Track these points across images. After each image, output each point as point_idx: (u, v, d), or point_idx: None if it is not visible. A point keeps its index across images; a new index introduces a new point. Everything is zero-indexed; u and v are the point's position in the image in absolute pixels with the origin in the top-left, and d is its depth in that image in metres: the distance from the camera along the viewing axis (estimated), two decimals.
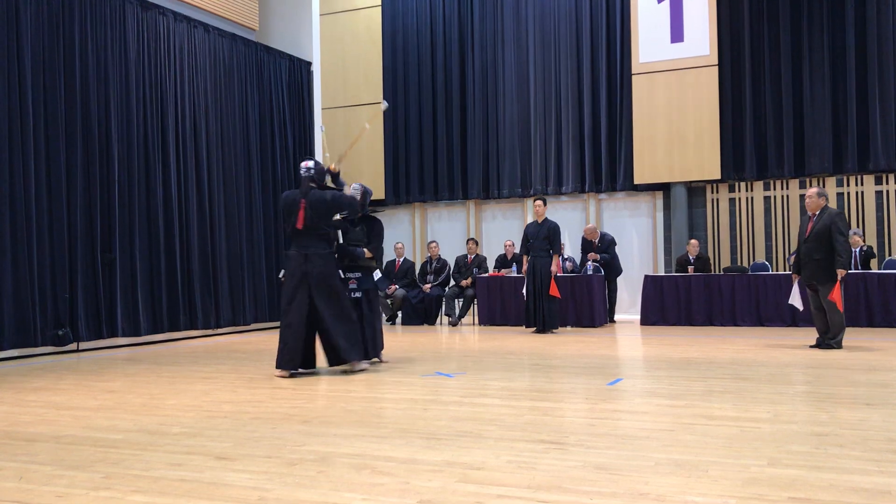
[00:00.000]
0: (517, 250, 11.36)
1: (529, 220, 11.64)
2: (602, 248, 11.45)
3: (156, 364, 7.19)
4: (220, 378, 6.09)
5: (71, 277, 8.42)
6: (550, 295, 9.75)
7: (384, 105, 7.76)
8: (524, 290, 10.09)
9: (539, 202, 10.03)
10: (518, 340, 8.93)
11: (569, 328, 10.57)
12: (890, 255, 11.44)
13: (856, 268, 10.20)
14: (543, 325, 9.80)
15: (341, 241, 6.76)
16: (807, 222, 7.64)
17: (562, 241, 10.33)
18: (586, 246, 11.58)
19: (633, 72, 12.72)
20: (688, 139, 12.35)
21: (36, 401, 5.13)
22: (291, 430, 3.99)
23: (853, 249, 10.48)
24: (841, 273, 7.31)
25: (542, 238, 9.85)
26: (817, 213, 7.55)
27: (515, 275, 11.20)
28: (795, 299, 7.87)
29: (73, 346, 8.40)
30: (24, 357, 7.86)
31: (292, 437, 3.82)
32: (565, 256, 11.62)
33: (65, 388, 5.74)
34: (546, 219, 10.00)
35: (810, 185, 11.87)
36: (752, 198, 12.46)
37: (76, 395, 5.33)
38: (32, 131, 8.07)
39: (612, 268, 11.51)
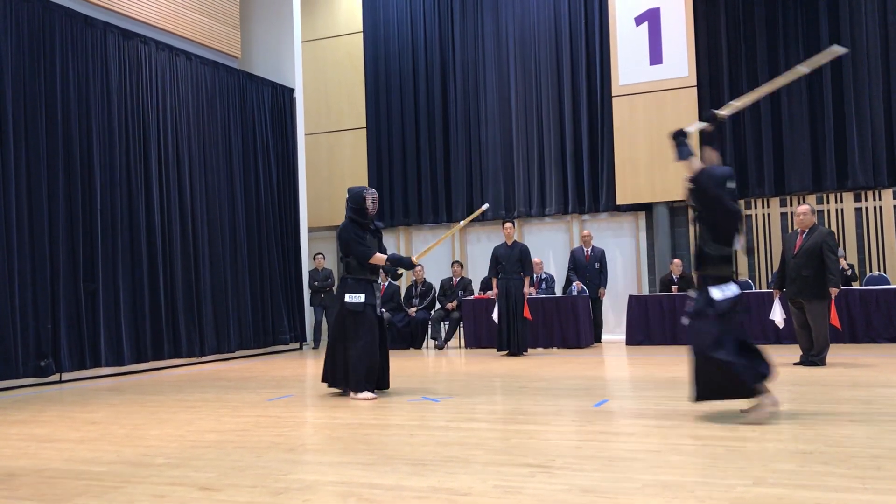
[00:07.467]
0: None
1: None
2: (595, 257, 11.49)
3: (139, 394, 7.12)
4: (204, 407, 6.04)
5: (53, 307, 8.33)
6: (524, 317, 9.76)
7: (485, 206, 7.85)
8: (495, 315, 10.02)
9: (509, 224, 10.07)
10: (504, 363, 8.91)
11: (555, 349, 10.58)
12: (871, 271, 11.56)
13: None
14: (518, 347, 9.78)
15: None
16: (794, 238, 7.69)
17: (541, 261, 10.28)
18: (578, 254, 11.59)
19: (613, 94, 12.86)
20: (669, 160, 12.34)
21: (17, 433, 5.06)
22: (276, 458, 3.96)
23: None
24: (833, 292, 7.39)
25: (515, 260, 9.86)
26: (807, 230, 7.62)
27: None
28: (776, 315, 7.92)
29: (55, 376, 8.30)
30: (5, 389, 7.75)
31: (277, 465, 3.79)
32: (543, 276, 11.67)
33: (47, 419, 5.67)
34: (515, 241, 10.04)
35: (791, 204, 12.02)
36: None
37: (59, 427, 5.26)
38: (13, 160, 8.03)
39: (597, 283, 11.49)
